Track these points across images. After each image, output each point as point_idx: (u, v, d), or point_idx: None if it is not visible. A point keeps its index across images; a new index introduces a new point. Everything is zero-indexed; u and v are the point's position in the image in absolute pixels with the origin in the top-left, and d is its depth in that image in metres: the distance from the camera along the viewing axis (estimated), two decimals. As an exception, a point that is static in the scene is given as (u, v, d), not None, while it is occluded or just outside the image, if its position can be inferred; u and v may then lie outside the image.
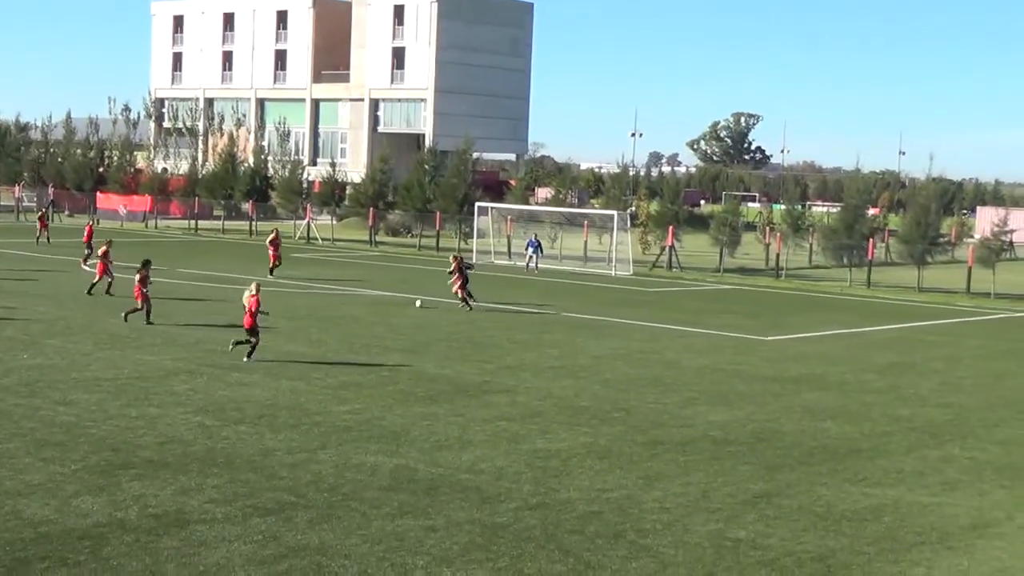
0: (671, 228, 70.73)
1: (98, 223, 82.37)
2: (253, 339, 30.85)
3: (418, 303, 44.27)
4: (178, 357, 31.02)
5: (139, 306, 36.68)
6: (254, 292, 30.79)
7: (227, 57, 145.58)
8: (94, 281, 43.76)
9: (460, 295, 44.26)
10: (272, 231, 56.33)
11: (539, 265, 65.54)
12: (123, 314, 36.65)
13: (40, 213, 73.72)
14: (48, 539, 16.20)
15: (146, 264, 37.54)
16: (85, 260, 54.54)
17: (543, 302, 48.46)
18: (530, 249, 66.53)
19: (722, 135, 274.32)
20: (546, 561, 16.18)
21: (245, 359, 30.68)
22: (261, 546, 16.27)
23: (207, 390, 26.84)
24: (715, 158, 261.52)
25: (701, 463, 22.05)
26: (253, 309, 30.58)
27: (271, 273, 52.40)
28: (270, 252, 53.77)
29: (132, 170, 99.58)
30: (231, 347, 31.16)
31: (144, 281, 36.87)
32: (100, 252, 44.00)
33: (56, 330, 34.93)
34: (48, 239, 67.25)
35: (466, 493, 19.30)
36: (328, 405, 25.75)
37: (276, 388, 27.39)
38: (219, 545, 16.24)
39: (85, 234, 56.59)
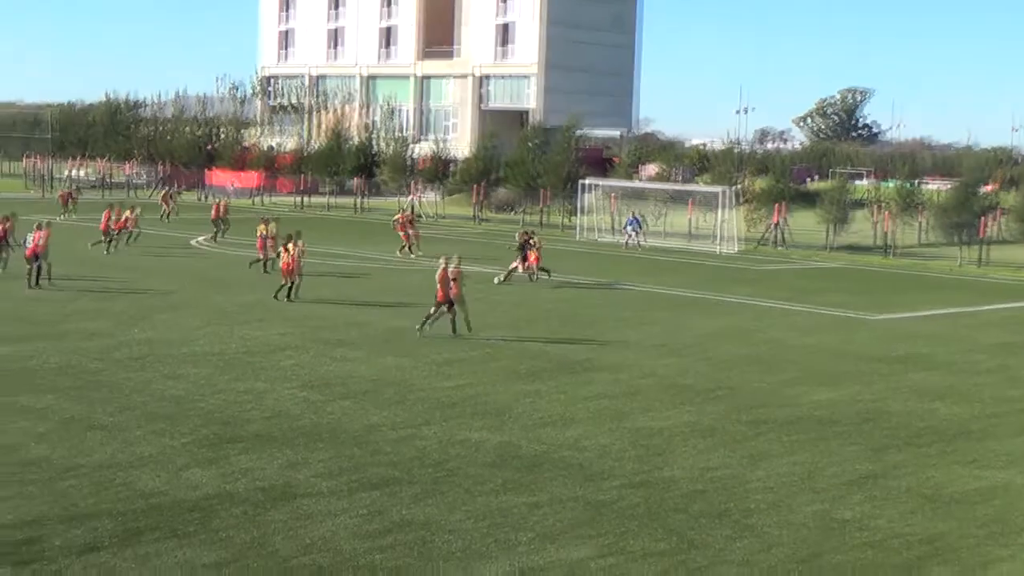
0: (778, 205, 70.03)
1: (207, 199, 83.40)
2: (452, 308, 31.63)
3: (497, 279, 44.11)
4: (285, 332, 31.38)
5: (264, 266, 36.60)
6: (456, 265, 31.86)
7: (334, 35, 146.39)
8: (259, 259, 43.94)
9: (521, 269, 44.54)
10: (401, 211, 56.78)
11: (642, 242, 65.23)
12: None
13: (164, 192, 74.48)
14: (159, 510, 16.51)
15: (297, 236, 37.39)
16: (214, 237, 55.58)
17: (647, 279, 48.27)
18: (629, 227, 66.27)
19: (831, 111, 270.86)
20: (650, 539, 16.15)
21: (417, 328, 31.47)
22: (367, 520, 16.44)
23: (313, 365, 27.13)
24: (824, 134, 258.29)
25: (806, 443, 21.86)
26: (453, 280, 31.50)
27: (405, 251, 52.33)
28: (401, 234, 53.46)
29: (241, 147, 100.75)
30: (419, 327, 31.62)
31: (300, 255, 36.99)
32: (262, 231, 44.12)
33: (166, 304, 35.51)
34: (167, 216, 67.73)
35: (570, 470, 19.33)
36: (433, 381, 25.90)
37: (381, 364, 27.60)
38: (325, 519, 16.43)
39: (212, 211, 57.46)
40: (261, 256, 43.45)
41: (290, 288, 36.60)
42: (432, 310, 31.65)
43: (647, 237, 66.31)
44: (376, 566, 14.77)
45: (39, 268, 37.94)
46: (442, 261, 32.24)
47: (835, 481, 19.41)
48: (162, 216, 67.61)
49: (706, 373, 28.19)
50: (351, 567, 14.69)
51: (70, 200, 68.65)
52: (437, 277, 31.70)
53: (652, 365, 28.88)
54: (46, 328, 30.72)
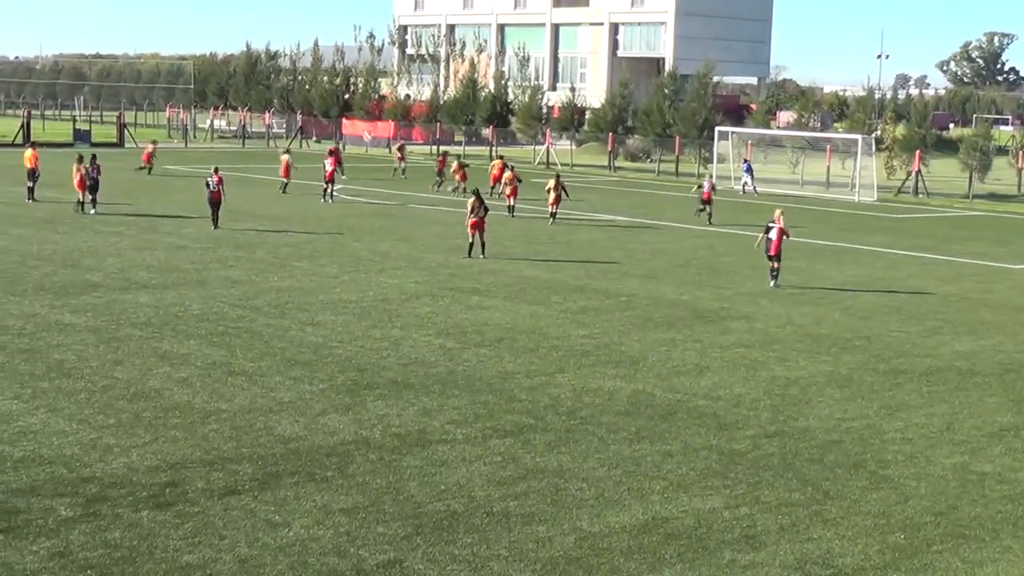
0: (918, 153, 68.74)
1: (345, 148, 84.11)
2: (776, 264, 32.45)
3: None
4: (420, 280, 31.65)
5: (471, 239, 36.11)
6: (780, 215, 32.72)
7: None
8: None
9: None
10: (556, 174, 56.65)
11: (756, 188, 65.38)
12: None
13: (399, 145, 72.65)
14: (297, 455, 16.80)
15: (477, 193, 36.99)
16: (436, 187, 58.26)
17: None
18: (745, 174, 66.15)
19: (974, 55, 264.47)
20: (784, 489, 16.05)
21: (772, 284, 32.30)
22: (500, 467, 16.56)
23: (448, 313, 27.33)
24: (966, 80, 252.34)
25: (945, 394, 21.52)
26: (782, 234, 32.20)
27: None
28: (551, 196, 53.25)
29: (376, 97, 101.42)
30: (773, 283, 32.43)
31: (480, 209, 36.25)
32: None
33: (304, 253, 36.00)
34: (402, 171, 66.81)
35: (703, 419, 19.27)
36: (566, 329, 25.94)
37: (515, 312, 27.71)
38: (459, 465, 16.59)
39: (437, 164, 61.05)
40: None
41: (475, 245, 36.19)
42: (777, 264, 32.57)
43: (771, 185, 65.93)
44: (509, 513, 14.88)
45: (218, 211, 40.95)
46: (778, 213, 32.86)
47: (975, 433, 19.09)
48: (395, 172, 67.25)
49: (843, 322, 27.86)
50: (484, 513, 14.82)
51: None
52: (775, 231, 32.16)
53: (788, 314, 28.62)
54: (188, 275, 31.36)
